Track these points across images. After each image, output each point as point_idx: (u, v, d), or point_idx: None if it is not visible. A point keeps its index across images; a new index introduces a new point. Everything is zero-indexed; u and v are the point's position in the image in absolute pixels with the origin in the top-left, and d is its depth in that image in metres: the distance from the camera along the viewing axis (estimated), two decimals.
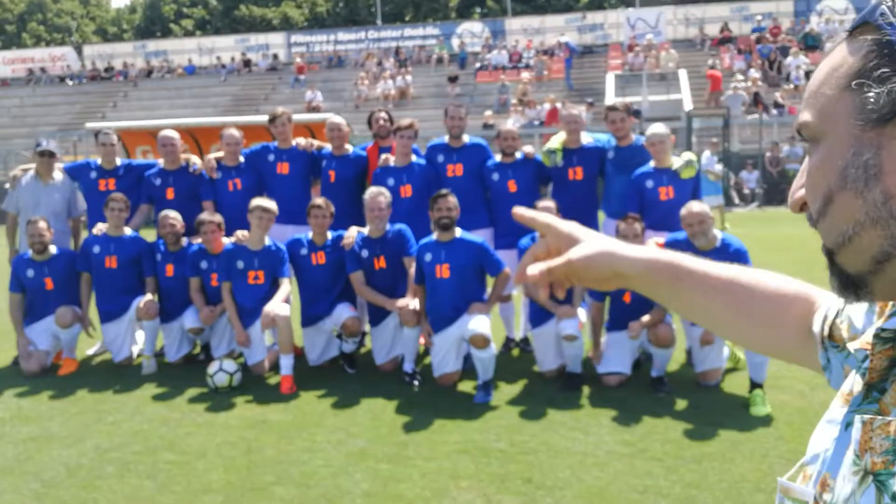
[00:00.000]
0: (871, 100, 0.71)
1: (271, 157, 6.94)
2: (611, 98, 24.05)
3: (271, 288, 6.18)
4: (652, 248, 1.11)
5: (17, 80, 37.18)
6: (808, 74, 23.92)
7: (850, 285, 0.77)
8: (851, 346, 0.78)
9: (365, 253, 6.15)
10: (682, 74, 26.16)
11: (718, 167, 16.36)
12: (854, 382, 0.76)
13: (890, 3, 0.72)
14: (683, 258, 1.09)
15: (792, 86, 24.33)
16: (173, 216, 6.53)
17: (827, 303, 1.01)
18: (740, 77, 24.96)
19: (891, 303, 0.86)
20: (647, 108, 23.80)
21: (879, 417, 0.66)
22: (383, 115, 7.08)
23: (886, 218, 0.71)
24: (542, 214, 1.17)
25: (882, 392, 0.70)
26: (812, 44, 26.57)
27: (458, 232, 5.87)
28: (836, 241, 0.76)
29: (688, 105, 23.41)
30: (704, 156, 16.36)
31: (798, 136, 0.81)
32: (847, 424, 0.72)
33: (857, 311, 0.93)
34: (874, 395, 0.71)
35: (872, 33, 0.72)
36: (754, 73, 25.41)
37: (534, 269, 1.08)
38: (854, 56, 0.73)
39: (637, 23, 31.87)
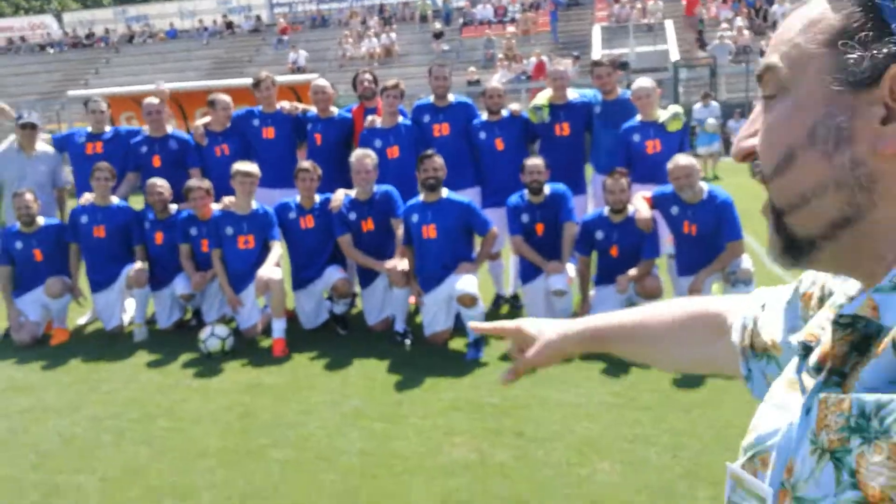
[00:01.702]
0: (852, 62, 0.69)
1: (256, 122, 6.90)
2: (597, 51, 23.87)
3: (262, 252, 6.19)
4: (574, 323, 1.34)
5: None
6: None
7: (792, 248, 0.76)
8: (793, 339, 0.77)
9: (353, 215, 6.15)
10: (669, 25, 25.93)
11: (712, 121, 16.34)
12: (799, 372, 0.76)
13: None
14: (598, 320, 1.31)
15: None
16: (160, 184, 6.50)
17: (742, 313, 1.03)
18: (726, 26, 24.78)
19: (815, 296, 0.87)
20: (634, 59, 23.64)
21: (834, 395, 0.66)
22: (368, 76, 7.02)
23: (852, 184, 0.70)
24: (503, 323, 1.42)
25: (842, 376, 0.69)
26: None
27: (445, 192, 5.87)
28: (792, 202, 0.74)
29: (674, 55, 23.25)
30: (696, 109, 16.41)
31: (758, 81, 0.78)
32: (808, 409, 0.70)
33: (773, 316, 0.95)
34: (834, 378, 0.70)
35: None
36: (740, 22, 25.22)
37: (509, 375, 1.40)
38: (837, 13, 0.71)
39: None
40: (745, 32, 24.40)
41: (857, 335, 0.69)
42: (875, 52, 0.67)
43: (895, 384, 0.61)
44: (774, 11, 25.25)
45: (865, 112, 0.68)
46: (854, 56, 0.68)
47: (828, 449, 0.64)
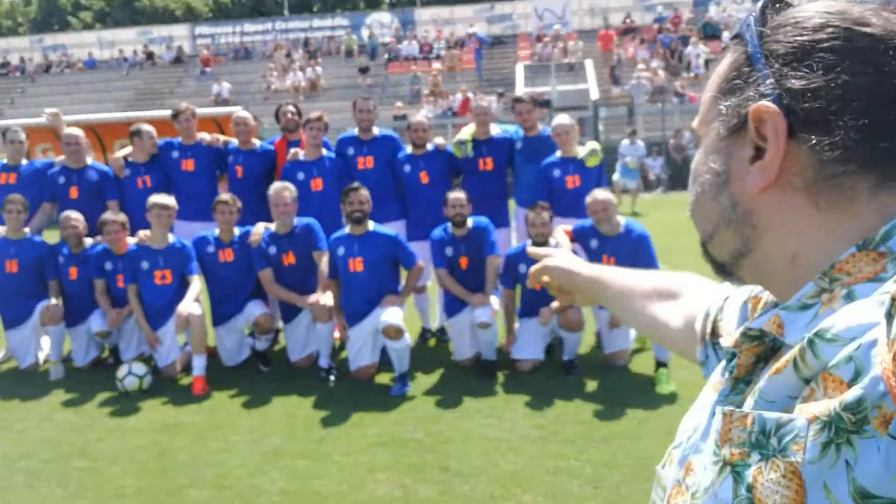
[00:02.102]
0: (723, 110, 0.75)
1: (175, 154, 6.80)
2: (521, 88, 24.31)
3: (180, 287, 6.06)
4: (591, 266, 1.39)
5: None
6: (707, 63, 24.73)
7: (720, 270, 0.83)
8: (723, 343, 0.82)
9: (273, 249, 6.09)
10: (589, 64, 26.63)
11: (629, 159, 16.88)
12: (724, 374, 0.80)
13: (757, 13, 0.74)
14: (605, 271, 1.35)
15: (692, 74, 25.06)
16: (75, 217, 6.32)
17: (708, 304, 1.08)
18: (642, 66, 25.58)
19: (762, 301, 0.91)
20: (556, 97, 24.15)
21: (738, 410, 0.67)
22: (291, 108, 7.02)
23: (736, 221, 0.76)
24: (546, 252, 1.47)
25: (747, 384, 0.74)
26: (711, 33, 27.38)
27: (371, 225, 5.88)
28: (703, 237, 0.82)
29: (594, 94, 23.87)
30: (623, 145, 17.10)
31: None
32: (713, 414, 0.74)
33: (732, 311, 0.99)
34: (740, 386, 0.74)
35: (742, 44, 0.74)
36: (655, 63, 26.07)
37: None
38: (725, 65, 0.77)
39: (544, 13, 32.20)
40: (661, 73, 25.22)
41: (764, 347, 0.74)
42: (741, 99, 0.72)
43: (794, 399, 0.63)
44: (689, 52, 26.20)
45: (739, 154, 0.74)
46: (725, 104, 0.74)
47: (728, 462, 0.66)
